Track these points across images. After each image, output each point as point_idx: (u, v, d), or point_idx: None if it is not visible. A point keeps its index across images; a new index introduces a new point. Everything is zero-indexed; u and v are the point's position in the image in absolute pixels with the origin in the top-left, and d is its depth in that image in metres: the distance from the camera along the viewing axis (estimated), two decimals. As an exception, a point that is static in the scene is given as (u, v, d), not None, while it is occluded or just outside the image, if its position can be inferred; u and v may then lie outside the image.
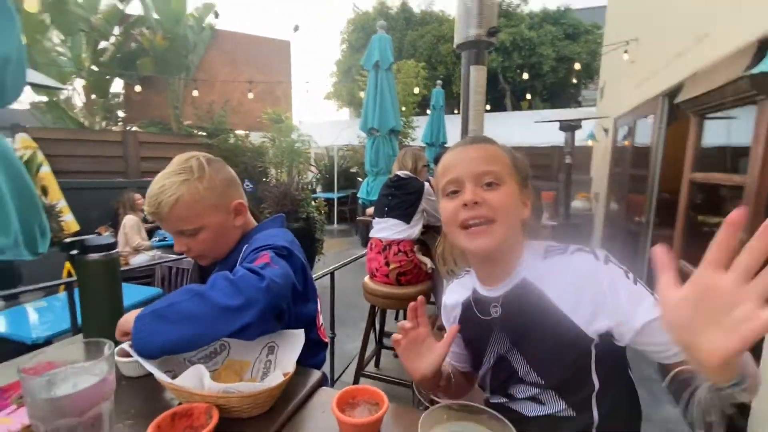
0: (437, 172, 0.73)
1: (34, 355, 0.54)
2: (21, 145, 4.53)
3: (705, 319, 0.37)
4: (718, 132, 2.38)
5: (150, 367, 0.58)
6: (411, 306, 0.67)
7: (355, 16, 14.23)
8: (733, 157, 2.09)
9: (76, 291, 1.84)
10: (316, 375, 0.72)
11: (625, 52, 4.46)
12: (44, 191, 4.23)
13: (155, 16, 6.68)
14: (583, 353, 0.63)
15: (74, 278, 1.88)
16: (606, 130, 5.41)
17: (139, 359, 0.59)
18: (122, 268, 3.44)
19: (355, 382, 2.34)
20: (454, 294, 0.81)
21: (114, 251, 0.84)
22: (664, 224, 3.37)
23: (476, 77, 1.22)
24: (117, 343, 0.75)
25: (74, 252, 0.79)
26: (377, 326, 2.70)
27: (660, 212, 3.40)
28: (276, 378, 0.60)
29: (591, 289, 0.61)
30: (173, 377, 0.63)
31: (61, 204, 4.39)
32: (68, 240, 0.78)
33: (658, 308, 0.54)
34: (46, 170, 4.39)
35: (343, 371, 2.66)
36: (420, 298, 0.67)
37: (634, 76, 4.15)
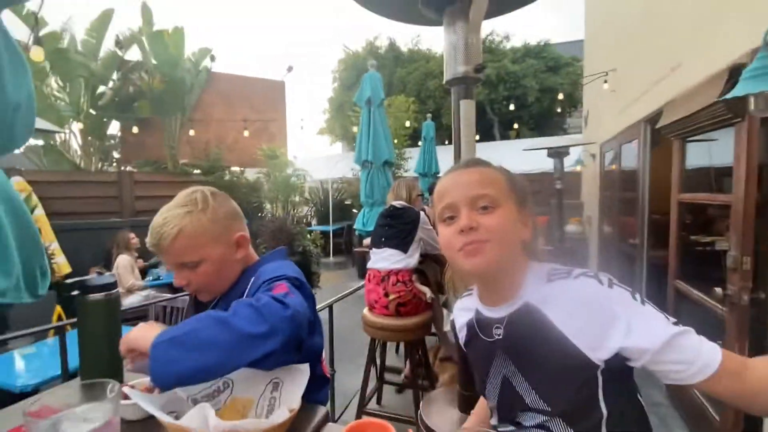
0: (434, 199, 0.73)
1: (34, 400, 0.53)
2: (15, 188, 4.54)
3: None
4: (701, 153, 2.47)
5: (152, 409, 0.57)
6: None
7: (346, 56, 14.85)
8: (717, 177, 2.16)
9: (68, 335, 1.80)
10: (321, 411, 0.70)
11: (605, 81, 4.67)
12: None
13: (153, 61, 6.92)
14: (590, 380, 0.61)
15: (65, 322, 1.83)
16: (593, 156, 5.56)
17: (140, 401, 0.58)
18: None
19: (357, 419, 2.26)
20: (460, 316, 0.81)
21: (115, 290, 0.84)
22: (657, 245, 3.41)
23: (466, 110, 1.27)
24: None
25: (75, 292, 0.78)
26: (378, 361, 2.63)
27: (652, 233, 3.44)
28: (282, 415, 0.59)
29: (597, 314, 0.60)
30: (176, 419, 0.62)
31: (54, 246, 4.34)
32: (69, 281, 0.78)
33: (672, 326, 0.58)
34: (39, 213, 4.37)
35: (344, 409, 2.56)
36: None
37: (616, 104, 4.33)
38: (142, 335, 0.65)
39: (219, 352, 0.61)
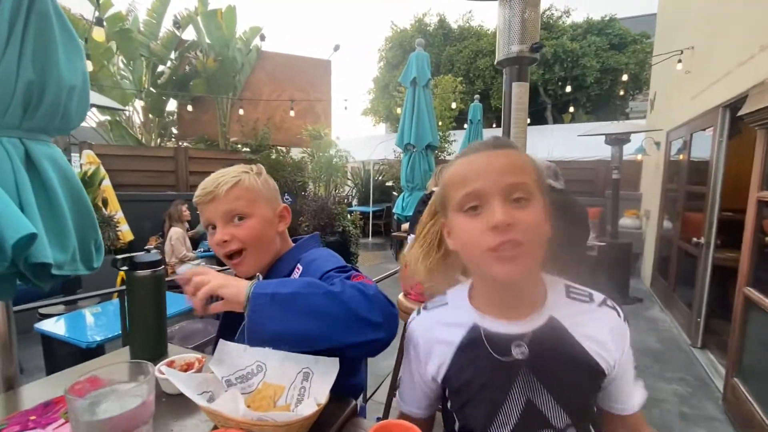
0: (447, 181, 0.61)
1: (83, 369, 0.56)
2: (87, 160, 4.95)
3: None
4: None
5: (186, 389, 0.58)
6: None
7: (393, 34, 14.51)
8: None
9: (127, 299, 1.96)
10: (349, 405, 0.69)
11: (679, 61, 4.20)
12: (105, 203, 4.58)
13: (207, 40, 7.16)
14: (598, 389, 0.66)
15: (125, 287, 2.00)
16: (657, 144, 5.09)
17: (174, 381, 0.60)
18: (168, 278, 3.62)
19: (388, 401, 2.29)
20: (435, 332, 0.67)
21: (160, 268, 0.87)
22: (726, 246, 3.09)
23: (518, 94, 1.18)
24: (156, 358, 0.77)
25: (124, 268, 0.82)
26: (411, 345, 2.64)
27: (722, 233, 3.12)
28: (310, 407, 0.58)
29: (616, 345, 0.63)
30: (210, 399, 0.64)
31: (119, 215, 4.73)
32: (119, 257, 0.82)
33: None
34: (107, 184, 4.76)
35: (377, 389, 2.61)
36: None
37: (690, 87, 3.89)
38: (231, 283, 0.64)
39: (326, 324, 0.61)
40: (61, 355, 2.45)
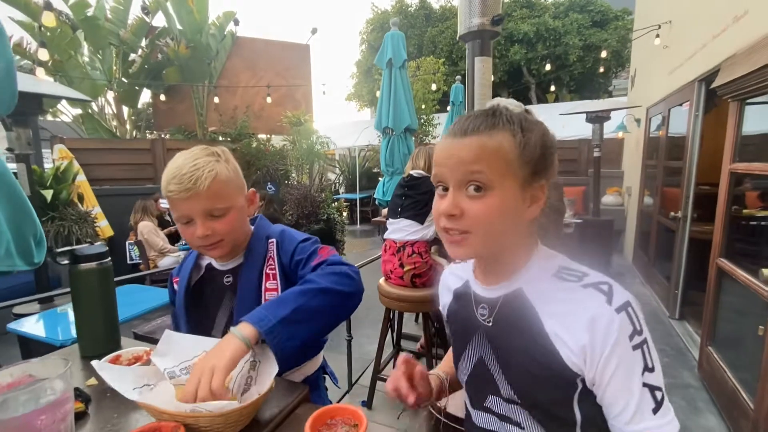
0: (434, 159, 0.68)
1: (22, 366, 0.53)
2: (59, 155, 4.79)
3: None
4: (760, 118, 2.18)
5: (118, 386, 0.56)
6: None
7: (374, 16, 14.20)
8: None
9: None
10: (300, 389, 0.68)
11: (657, 36, 4.19)
12: (80, 199, 4.45)
13: (179, 26, 6.89)
14: (567, 385, 0.56)
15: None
16: (638, 121, 5.12)
17: (106, 377, 0.57)
18: (150, 271, 3.54)
19: (372, 385, 2.30)
20: (449, 279, 0.78)
21: (106, 260, 0.83)
22: (702, 219, 3.15)
23: (481, 69, 1.15)
24: (107, 354, 0.74)
25: (65, 262, 0.78)
26: (396, 327, 2.65)
27: (698, 206, 3.17)
28: (250, 397, 0.57)
29: (589, 333, 0.53)
30: (152, 389, 0.62)
31: (96, 210, 4.61)
32: (59, 249, 0.78)
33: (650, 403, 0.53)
34: (81, 179, 4.62)
35: (361, 374, 2.63)
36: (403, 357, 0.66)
37: (667, 62, 3.90)
38: (225, 356, 0.61)
39: (326, 316, 0.77)
40: (38, 354, 2.40)
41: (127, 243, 4.26)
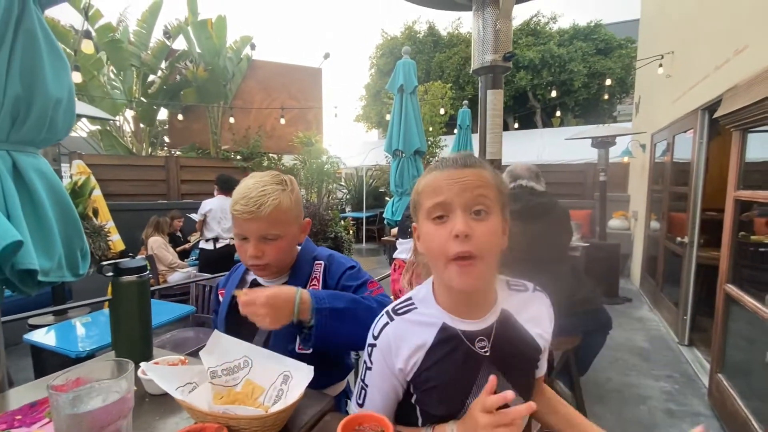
0: (420, 189, 0.67)
1: (65, 372, 0.58)
2: (77, 170, 4.94)
3: None
4: (764, 145, 2.24)
5: (165, 385, 0.61)
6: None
7: (384, 41, 14.66)
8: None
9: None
10: (326, 400, 0.72)
11: (660, 66, 4.31)
12: (95, 213, 4.56)
13: (198, 50, 7.20)
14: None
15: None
16: (643, 146, 5.20)
17: (154, 377, 0.63)
18: (160, 286, 3.59)
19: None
20: (408, 335, 0.69)
21: (146, 273, 0.90)
22: (709, 244, 3.16)
23: (493, 101, 1.23)
24: (142, 361, 0.80)
25: (109, 274, 0.85)
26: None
27: (705, 232, 3.19)
28: (283, 404, 0.62)
29: (549, 322, 0.75)
30: (192, 390, 0.67)
31: (110, 225, 4.71)
32: (104, 263, 0.85)
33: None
34: (97, 193, 4.74)
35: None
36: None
37: (671, 90, 4.00)
38: (281, 316, 0.77)
39: (365, 332, 0.75)
40: (51, 365, 2.44)
41: (138, 258, 4.34)
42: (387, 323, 0.70)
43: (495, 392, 0.64)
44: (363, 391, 0.71)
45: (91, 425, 0.47)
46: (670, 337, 3.48)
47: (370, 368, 0.70)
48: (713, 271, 2.52)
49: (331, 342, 0.80)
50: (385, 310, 0.73)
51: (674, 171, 3.84)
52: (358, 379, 0.73)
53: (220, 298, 1.01)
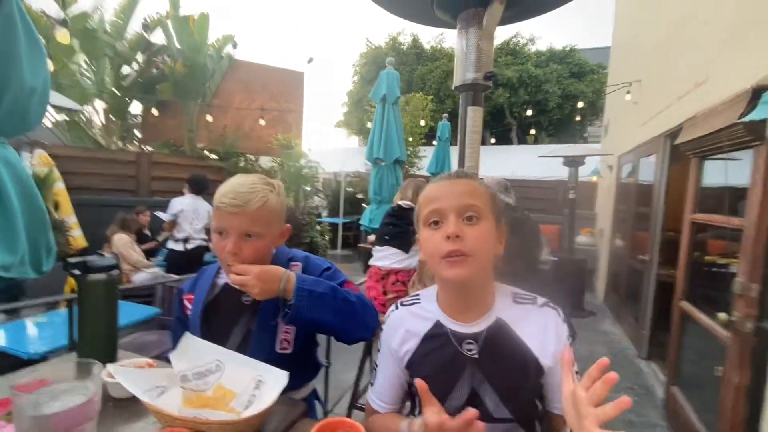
0: (420, 201, 0.75)
1: (29, 371, 0.56)
2: (39, 161, 4.68)
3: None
4: (718, 173, 2.41)
5: (133, 388, 0.59)
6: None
7: (368, 50, 14.80)
8: (733, 199, 2.11)
9: (76, 307, 1.87)
10: (299, 405, 0.72)
11: (628, 92, 4.56)
12: (56, 206, 4.32)
13: (177, 45, 7.02)
14: (538, 387, 0.73)
15: (75, 295, 1.90)
16: (610, 167, 5.46)
17: (122, 380, 0.61)
18: (124, 286, 3.45)
19: (348, 413, 2.28)
20: (407, 323, 0.79)
21: (115, 271, 0.87)
22: (667, 263, 3.34)
23: (473, 117, 1.27)
24: (105, 363, 0.77)
25: (76, 271, 0.82)
26: (374, 357, 2.65)
27: (664, 251, 3.37)
28: (254, 410, 0.61)
29: (555, 340, 0.71)
30: (160, 394, 0.65)
31: (72, 220, 4.47)
32: (72, 260, 0.81)
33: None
34: (60, 186, 4.50)
35: (337, 402, 2.59)
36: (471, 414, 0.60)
37: (638, 116, 4.24)
38: (269, 290, 0.80)
39: (342, 321, 0.84)
40: (1, 367, 2.28)
41: (96, 252, 4.14)
42: (394, 311, 0.83)
43: (480, 399, 0.70)
44: (374, 372, 0.83)
45: (56, 428, 0.45)
46: (630, 351, 3.63)
47: (379, 350, 0.83)
48: (671, 288, 2.66)
49: (306, 321, 0.83)
50: (398, 301, 0.84)
51: (638, 192, 4.05)
52: (375, 362, 0.84)
53: (187, 304, 0.99)
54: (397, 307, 0.83)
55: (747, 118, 1.17)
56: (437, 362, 0.73)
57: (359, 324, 0.88)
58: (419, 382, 0.62)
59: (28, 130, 0.81)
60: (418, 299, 0.81)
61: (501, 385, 0.70)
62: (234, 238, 0.86)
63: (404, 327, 0.78)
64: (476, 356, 0.71)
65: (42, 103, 0.81)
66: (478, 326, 0.72)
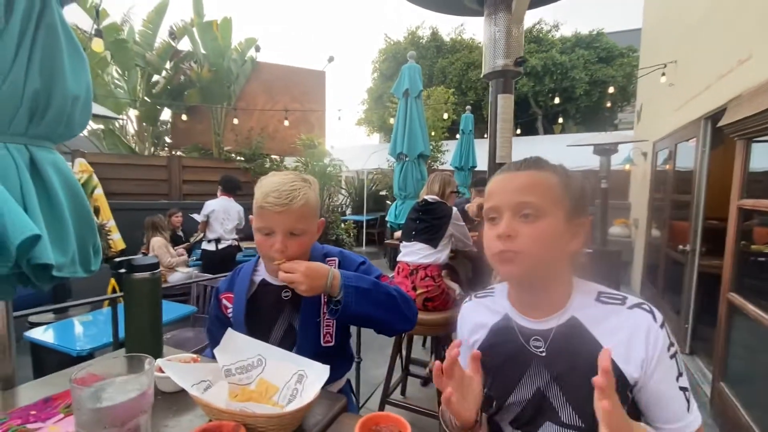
0: (485, 195, 0.73)
1: (82, 367, 0.58)
2: (79, 168, 4.93)
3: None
4: (767, 155, 2.25)
5: (181, 382, 0.61)
6: (447, 367, 0.60)
7: (387, 46, 14.74)
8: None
9: (119, 306, 1.96)
10: (340, 400, 0.72)
11: (663, 74, 4.34)
12: (96, 211, 4.55)
13: (202, 51, 7.22)
14: (622, 398, 0.61)
15: (118, 294, 1.99)
16: (645, 154, 5.22)
17: (171, 374, 0.62)
18: (165, 285, 3.57)
19: (380, 409, 2.29)
20: (478, 314, 0.79)
21: (157, 270, 0.90)
22: (711, 253, 3.16)
23: (503, 105, 1.23)
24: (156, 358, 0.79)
25: (122, 270, 0.85)
26: (404, 353, 2.66)
27: (707, 240, 3.20)
28: (298, 404, 0.61)
29: (644, 348, 0.62)
30: (207, 388, 0.66)
31: (111, 224, 4.71)
32: (118, 259, 0.85)
33: (679, 386, 0.63)
34: (99, 192, 4.74)
35: (369, 397, 2.62)
36: (454, 353, 0.61)
37: (674, 99, 4.02)
38: (315, 286, 0.82)
39: (386, 314, 0.87)
40: (50, 363, 2.42)
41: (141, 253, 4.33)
42: (467, 302, 0.83)
43: (547, 400, 0.66)
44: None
45: (113, 420, 0.46)
46: (671, 346, 3.47)
47: (459, 334, 0.83)
48: (715, 279, 2.52)
49: (354, 316, 0.85)
50: (473, 293, 0.85)
51: (676, 179, 3.86)
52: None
53: (226, 302, 1.01)
54: (471, 299, 0.83)
55: (805, 94, 1.08)
56: (503, 356, 0.71)
57: (401, 316, 0.90)
58: (475, 352, 0.63)
59: (73, 136, 0.84)
60: (492, 292, 0.80)
61: (571, 389, 0.65)
62: (281, 236, 0.87)
63: (475, 318, 0.79)
64: (543, 354, 0.67)
65: (85, 110, 0.84)
66: (548, 323, 0.68)
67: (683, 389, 0.63)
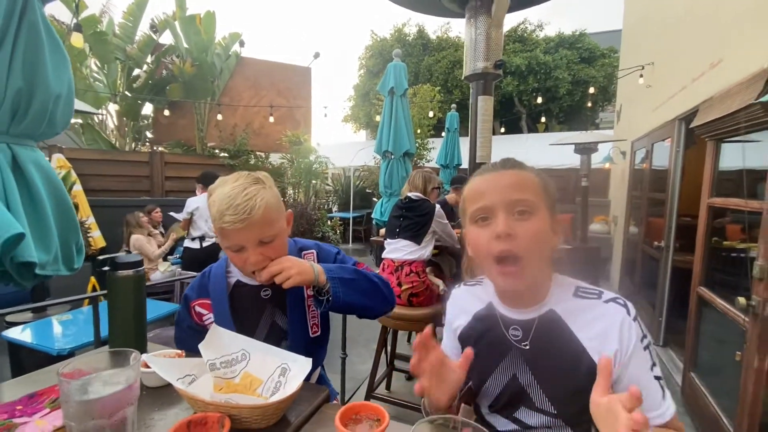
0: (465, 196, 0.72)
1: (68, 363, 0.59)
2: (57, 164, 4.80)
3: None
4: (736, 156, 2.36)
5: (167, 376, 0.63)
6: (418, 341, 0.62)
7: (373, 43, 14.70)
8: (751, 182, 2.06)
9: (101, 305, 1.93)
10: (323, 391, 0.75)
11: (641, 76, 4.47)
12: (75, 208, 4.44)
13: (185, 45, 7.08)
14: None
15: (100, 292, 1.97)
16: (623, 153, 5.37)
17: (157, 369, 0.64)
18: (149, 283, 3.52)
19: (366, 403, 2.32)
20: (464, 301, 0.81)
21: (141, 268, 0.90)
22: (684, 249, 3.30)
23: (483, 106, 1.27)
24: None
25: (105, 268, 0.85)
26: (389, 348, 2.70)
27: (680, 237, 3.32)
28: (281, 396, 0.64)
29: (618, 340, 0.64)
30: (191, 382, 0.68)
31: (90, 221, 4.60)
32: (101, 257, 0.85)
33: (652, 381, 0.64)
34: (77, 189, 4.62)
35: (354, 392, 2.65)
36: (427, 329, 0.64)
37: (651, 100, 4.15)
38: (305, 271, 0.83)
39: (370, 300, 0.91)
40: (29, 363, 2.38)
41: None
42: (456, 288, 0.86)
43: (521, 386, 0.69)
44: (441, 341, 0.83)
45: (101, 412, 0.48)
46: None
47: (446, 318, 0.87)
48: (688, 274, 2.63)
49: (343, 306, 0.86)
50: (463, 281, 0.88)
51: (652, 178, 3.99)
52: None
53: (201, 310, 0.96)
54: (460, 287, 0.85)
55: (765, 98, 1.14)
56: (483, 342, 0.74)
57: (383, 300, 0.94)
58: (468, 350, 0.65)
59: (55, 134, 0.84)
60: (481, 281, 0.81)
61: (545, 378, 0.68)
62: (252, 249, 0.83)
63: (461, 303, 0.82)
64: (521, 343, 0.70)
65: (67, 109, 0.85)
66: (528, 315, 0.70)
67: (657, 378, 0.65)
